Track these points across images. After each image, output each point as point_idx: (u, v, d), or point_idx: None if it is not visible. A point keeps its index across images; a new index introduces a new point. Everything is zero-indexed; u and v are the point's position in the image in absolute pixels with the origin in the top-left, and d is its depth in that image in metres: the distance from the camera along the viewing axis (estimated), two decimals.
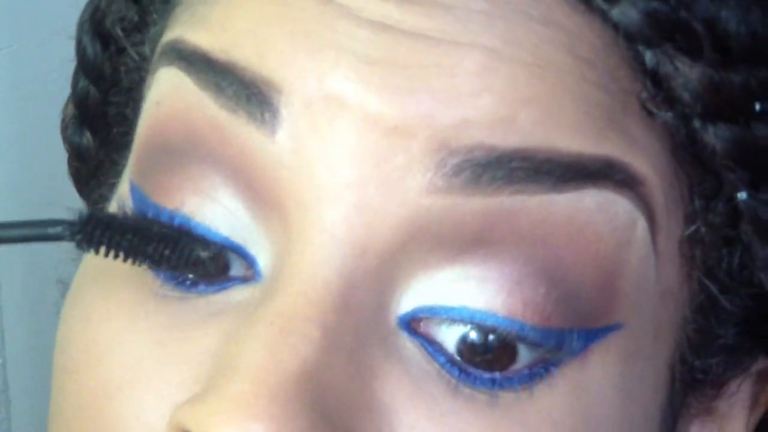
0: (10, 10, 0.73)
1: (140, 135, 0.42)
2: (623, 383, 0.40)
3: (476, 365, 0.38)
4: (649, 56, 0.40)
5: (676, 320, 0.42)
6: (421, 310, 0.38)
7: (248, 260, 0.39)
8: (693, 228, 0.41)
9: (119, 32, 0.47)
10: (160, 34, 0.44)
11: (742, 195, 0.41)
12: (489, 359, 0.38)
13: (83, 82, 0.50)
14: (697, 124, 0.40)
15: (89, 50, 0.49)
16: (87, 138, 0.51)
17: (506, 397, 0.38)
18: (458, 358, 0.38)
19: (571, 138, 0.39)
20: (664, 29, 0.40)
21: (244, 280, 0.39)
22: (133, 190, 0.41)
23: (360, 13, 0.39)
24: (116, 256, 0.39)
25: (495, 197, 0.38)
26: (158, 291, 0.40)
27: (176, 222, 0.40)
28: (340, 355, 0.37)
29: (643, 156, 0.40)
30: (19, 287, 0.77)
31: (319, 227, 0.38)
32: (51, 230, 0.40)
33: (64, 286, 0.51)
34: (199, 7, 0.41)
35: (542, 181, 0.38)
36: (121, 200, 0.42)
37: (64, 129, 0.52)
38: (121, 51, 0.48)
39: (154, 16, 0.45)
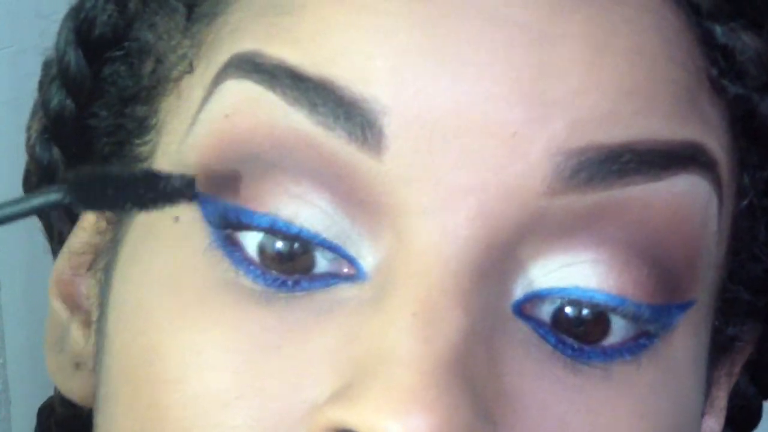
0: (10, 10, 0.73)
1: (203, 146, 0.41)
2: (696, 355, 0.42)
3: (573, 337, 0.40)
4: (719, 32, 0.41)
5: (717, 290, 0.44)
6: (534, 294, 0.40)
7: (348, 259, 0.40)
8: (746, 202, 0.43)
9: (149, 38, 0.46)
10: (204, 39, 0.43)
11: None
12: (582, 332, 0.40)
13: (59, 96, 0.49)
14: (755, 97, 0.42)
15: (73, 62, 0.48)
16: (55, 154, 0.50)
17: (618, 370, 0.40)
18: (568, 338, 0.40)
19: (665, 124, 0.40)
20: (735, 4, 0.41)
21: (348, 278, 0.40)
22: (207, 203, 0.40)
23: (467, 11, 0.39)
24: (108, 208, 0.40)
25: (607, 191, 0.39)
26: (260, 297, 0.40)
27: (279, 226, 0.40)
28: (479, 342, 0.38)
29: (714, 135, 0.41)
30: (19, 287, 0.76)
31: (441, 229, 0.38)
32: (42, 199, 0.39)
33: None
34: (279, 18, 0.40)
35: (646, 171, 0.39)
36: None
37: (31, 146, 0.51)
38: (113, 60, 0.48)
39: (185, 22, 0.44)
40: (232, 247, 0.40)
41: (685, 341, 0.42)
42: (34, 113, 0.51)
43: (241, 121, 0.40)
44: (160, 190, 0.39)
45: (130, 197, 0.39)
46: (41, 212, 0.41)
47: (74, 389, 0.49)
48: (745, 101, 0.42)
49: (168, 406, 0.40)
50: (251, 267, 0.40)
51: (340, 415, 0.37)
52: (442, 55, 0.39)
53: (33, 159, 0.51)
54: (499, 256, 0.39)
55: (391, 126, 0.38)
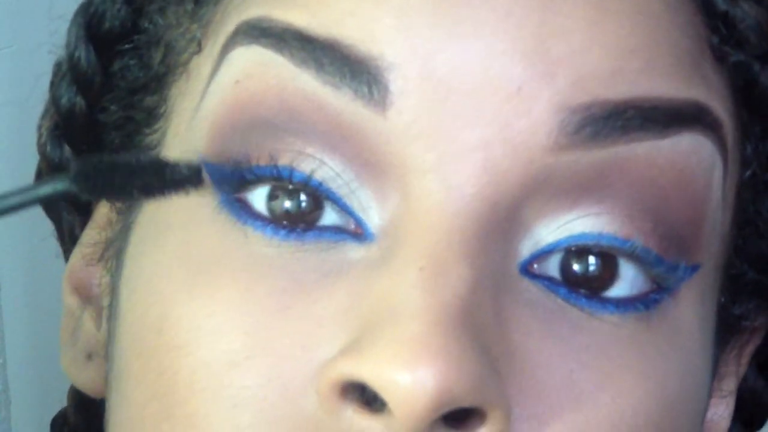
0: (10, 10, 0.73)
1: (214, 116, 0.41)
2: (702, 324, 0.43)
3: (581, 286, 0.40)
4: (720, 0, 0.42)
5: (723, 264, 0.44)
6: (540, 252, 0.40)
7: (355, 219, 0.40)
8: (750, 172, 0.44)
9: (159, 26, 0.46)
10: (211, 19, 0.44)
11: None
12: (591, 284, 0.40)
13: (69, 94, 0.49)
14: (756, 66, 0.43)
15: (84, 58, 0.49)
16: (66, 152, 0.51)
17: (629, 326, 0.40)
18: (581, 289, 0.40)
19: (669, 84, 0.41)
20: None
21: (356, 236, 0.40)
22: (214, 169, 0.41)
23: None
24: (115, 197, 0.40)
25: (611, 147, 0.40)
26: (268, 250, 0.40)
27: (296, 177, 0.40)
28: (485, 296, 0.38)
29: (718, 99, 0.42)
30: (19, 287, 0.76)
31: (447, 186, 0.39)
32: (49, 188, 0.39)
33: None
34: None
35: (650, 128, 0.40)
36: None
37: (42, 144, 0.51)
38: (122, 53, 0.48)
39: (193, 6, 0.45)
40: (239, 205, 0.41)
41: (692, 307, 0.42)
42: (45, 112, 0.52)
43: (251, 86, 0.41)
44: (167, 178, 0.40)
45: (136, 185, 0.39)
46: (47, 203, 0.40)
47: (87, 381, 0.49)
48: (746, 69, 0.43)
49: (178, 372, 0.40)
50: (258, 221, 0.41)
51: (349, 367, 0.37)
52: (448, 15, 0.39)
53: (44, 157, 0.51)
54: (504, 215, 0.39)
55: (397, 82, 0.39)
